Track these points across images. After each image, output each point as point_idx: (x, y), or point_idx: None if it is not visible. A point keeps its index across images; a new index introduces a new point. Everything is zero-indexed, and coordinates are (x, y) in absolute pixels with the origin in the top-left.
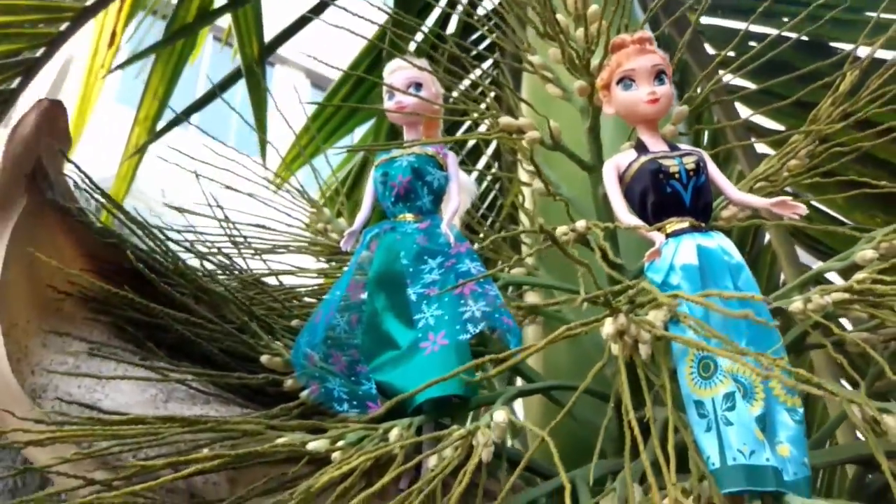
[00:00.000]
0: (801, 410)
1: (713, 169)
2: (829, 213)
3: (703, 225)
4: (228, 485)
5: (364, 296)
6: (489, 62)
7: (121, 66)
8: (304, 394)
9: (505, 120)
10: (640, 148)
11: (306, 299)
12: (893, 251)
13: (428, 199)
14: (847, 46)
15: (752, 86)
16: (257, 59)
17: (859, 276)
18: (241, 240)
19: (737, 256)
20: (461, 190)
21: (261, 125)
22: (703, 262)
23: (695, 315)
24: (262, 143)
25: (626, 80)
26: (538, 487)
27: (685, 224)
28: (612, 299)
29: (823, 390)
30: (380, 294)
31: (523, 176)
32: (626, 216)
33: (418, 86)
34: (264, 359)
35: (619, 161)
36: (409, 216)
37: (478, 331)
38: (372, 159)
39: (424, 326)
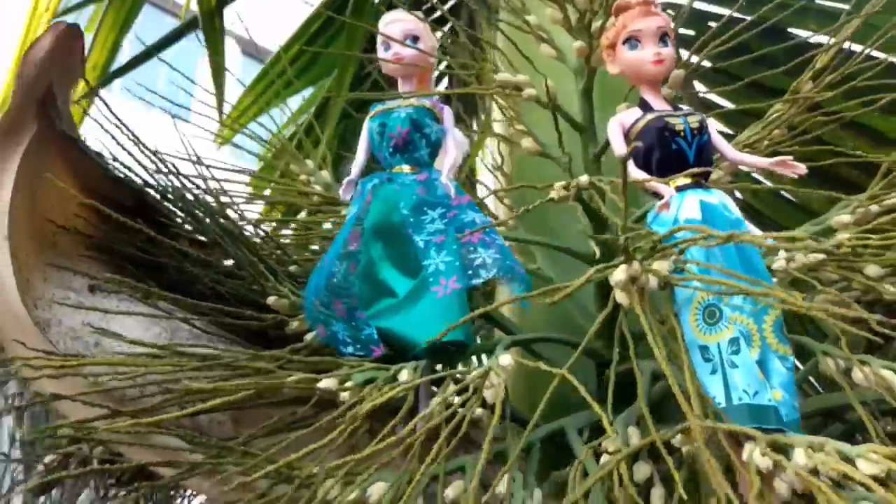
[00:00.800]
0: (791, 358)
1: (713, 129)
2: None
3: (704, 181)
4: (233, 424)
5: (359, 245)
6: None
7: (68, 11)
8: (309, 335)
9: (503, 76)
10: (644, 107)
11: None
12: (868, 217)
13: (426, 151)
14: (801, 32)
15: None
16: (214, 7)
17: (840, 237)
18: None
19: (736, 212)
20: (456, 144)
21: (219, 72)
22: (706, 216)
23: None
24: (220, 89)
25: (633, 41)
26: (535, 432)
27: (688, 180)
28: (630, 246)
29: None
30: (376, 243)
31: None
32: (634, 170)
33: (415, 38)
34: (272, 300)
35: (623, 118)
36: (406, 168)
37: (489, 276)
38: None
39: (434, 272)
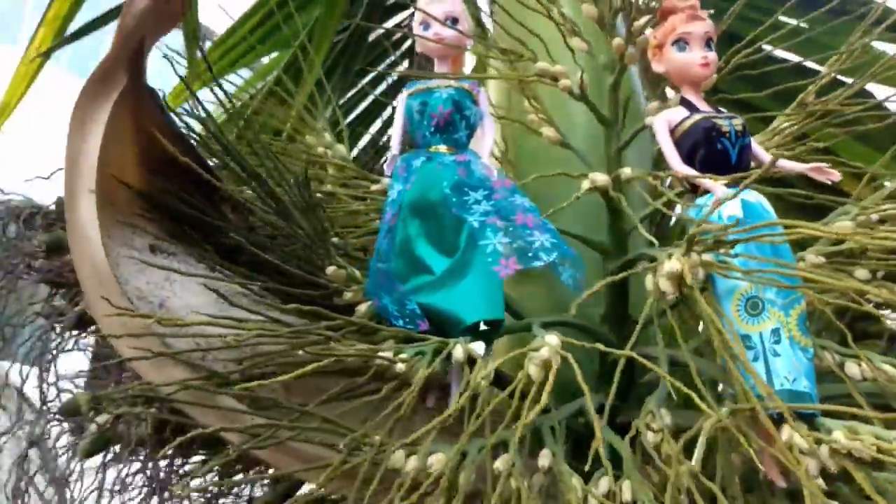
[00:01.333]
0: (811, 350)
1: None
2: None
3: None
4: (284, 391)
5: (397, 221)
6: None
7: None
8: (363, 307)
9: (542, 65)
10: (689, 106)
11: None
12: (868, 224)
13: (465, 133)
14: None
15: None
16: None
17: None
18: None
19: (771, 211)
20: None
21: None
22: (746, 214)
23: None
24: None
25: (681, 42)
26: (561, 409)
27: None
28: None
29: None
30: (413, 220)
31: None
32: (681, 166)
33: (455, 20)
34: (330, 270)
35: (669, 116)
36: (444, 148)
37: (550, 259)
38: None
39: (493, 252)
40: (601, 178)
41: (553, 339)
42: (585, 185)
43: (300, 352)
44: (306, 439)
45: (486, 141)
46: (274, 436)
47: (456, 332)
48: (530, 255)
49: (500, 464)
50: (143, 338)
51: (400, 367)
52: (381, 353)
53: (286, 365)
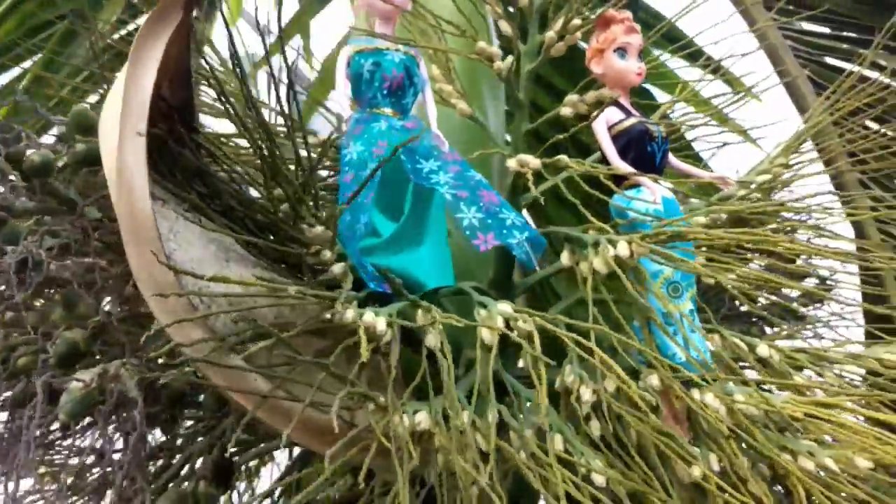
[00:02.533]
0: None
1: None
2: None
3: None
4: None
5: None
6: None
7: None
8: (337, 267)
9: (481, 45)
10: (623, 109)
11: None
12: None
13: (411, 99)
14: None
15: None
16: None
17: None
18: None
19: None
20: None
21: None
22: (666, 208)
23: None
24: None
25: (621, 51)
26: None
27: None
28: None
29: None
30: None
31: None
32: (620, 163)
33: None
34: (317, 230)
35: (608, 116)
36: (389, 111)
37: (523, 237)
38: None
39: (469, 226)
40: (533, 161)
41: (506, 308)
42: (512, 165)
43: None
44: (296, 399)
45: (431, 110)
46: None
47: (414, 294)
48: (505, 231)
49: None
50: (172, 297)
51: (387, 334)
52: (366, 319)
53: (277, 326)
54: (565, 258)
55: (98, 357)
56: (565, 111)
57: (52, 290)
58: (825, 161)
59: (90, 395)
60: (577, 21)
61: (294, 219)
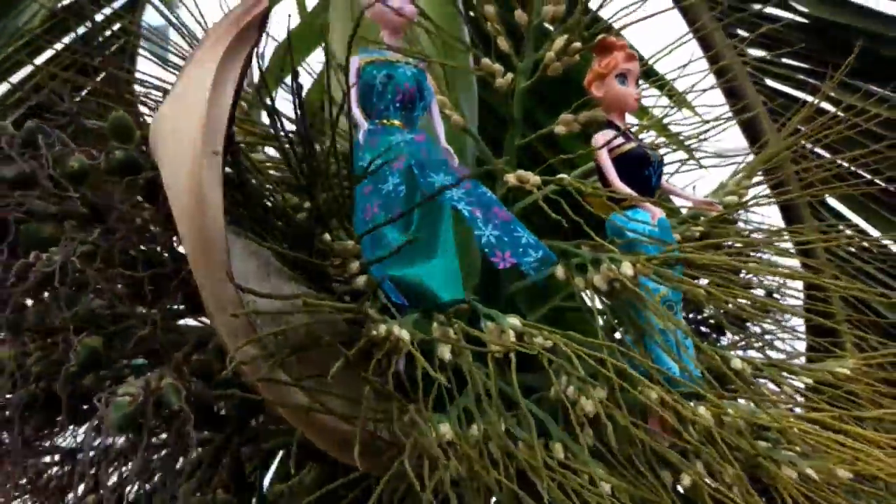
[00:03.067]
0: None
1: None
2: None
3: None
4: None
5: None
6: None
7: None
8: (361, 279)
9: (486, 62)
10: (620, 132)
11: None
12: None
13: (420, 112)
14: None
15: None
16: None
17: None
18: None
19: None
20: None
21: None
22: (661, 229)
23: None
24: None
25: (622, 77)
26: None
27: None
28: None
29: None
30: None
31: None
32: (621, 185)
33: None
34: (348, 244)
35: (608, 138)
36: (398, 123)
37: (538, 256)
38: None
39: (487, 243)
40: (533, 178)
41: (516, 322)
42: (511, 180)
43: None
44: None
45: (439, 124)
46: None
47: (428, 306)
48: (521, 250)
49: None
50: (236, 314)
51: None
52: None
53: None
54: (560, 272)
55: (116, 364)
56: (559, 129)
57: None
58: (776, 184)
59: (137, 408)
60: (577, 44)
61: (323, 231)
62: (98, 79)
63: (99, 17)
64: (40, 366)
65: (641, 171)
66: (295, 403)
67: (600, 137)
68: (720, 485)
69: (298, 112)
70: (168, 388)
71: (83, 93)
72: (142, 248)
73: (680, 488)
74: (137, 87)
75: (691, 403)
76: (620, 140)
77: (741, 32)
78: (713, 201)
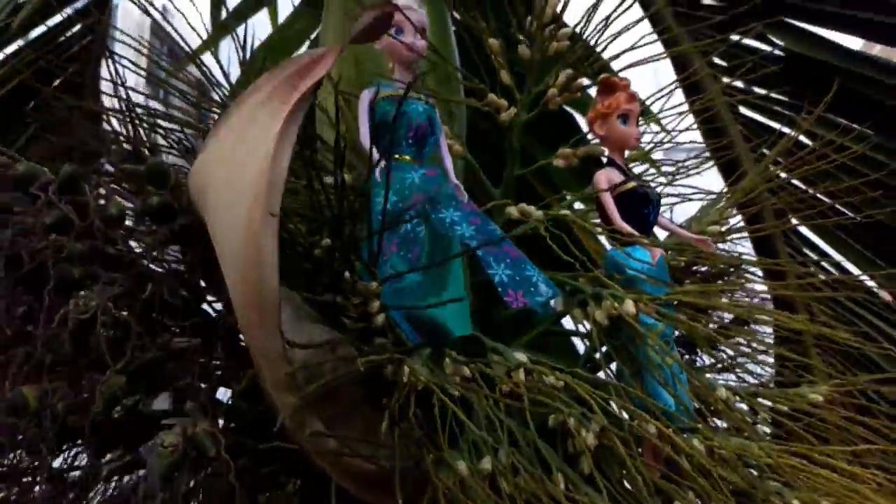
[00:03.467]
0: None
1: None
2: None
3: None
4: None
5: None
6: None
7: None
8: (380, 317)
9: (492, 97)
10: (621, 170)
11: None
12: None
13: (430, 148)
14: None
15: None
16: None
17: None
18: None
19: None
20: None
21: None
22: (659, 266)
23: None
24: None
25: (624, 117)
26: None
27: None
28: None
29: None
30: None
31: None
32: (622, 223)
33: (424, 31)
34: (372, 285)
35: (610, 177)
36: (409, 159)
37: (549, 295)
38: None
39: (500, 282)
40: (536, 213)
41: (523, 357)
42: (514, 214)
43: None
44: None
45: (448, 159)
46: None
47: (440, 341)
48: (532, 289)
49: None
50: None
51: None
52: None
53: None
54: (558, 304)
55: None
56: (558, 162)
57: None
58: (752, 216)
59: (178, 456)
60: (582, 80)
61: (345, 271)
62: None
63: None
64: (64, 405)
65: (641, 209)
66: (327, 449)
67: (602, 176)
68: None
69: (340, 144)
70: (202, 435)
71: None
72: (183, 293)
73: None
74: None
75: (685, 436)
76: (621, 178)
77: (718, 61)
78: (706, 239)
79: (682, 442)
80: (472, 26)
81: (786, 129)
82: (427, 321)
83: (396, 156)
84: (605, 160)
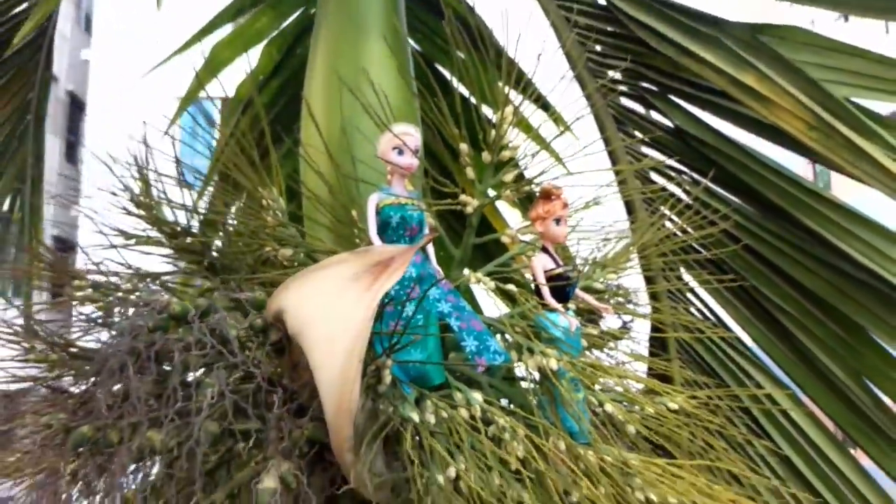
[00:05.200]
0: None
1: None
2: None
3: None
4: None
5: None
6: None
7: None
8: (388, 377)
9: (464, 198)
10: (551, 257)
11: None
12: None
13: (419, 241)
14: None
15: None
16: None
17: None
18: None
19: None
20: None
21: None
22: (575, 334)
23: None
24: None
25: (557, 220)
26: None
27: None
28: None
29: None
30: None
31: None
32: (552, 301)
33: (417, 150)
34: (385, 360)
35: (543, 263)
36: None
37: (502, 360)
38: None
39: (470, 351)
40: (490, 283)
41: (478, 396)
42: (472, 280)
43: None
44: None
45: (431, 250)
46: None
47: (424, 386)
48: (490, 356)
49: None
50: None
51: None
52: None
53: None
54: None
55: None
56: (505, 239)
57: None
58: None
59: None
60: (528, 187)
61: None
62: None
63: None
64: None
65: (565, 290)
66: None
67: (537, 262)
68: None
69: None
70: (287, 474)
71: None
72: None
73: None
74: None
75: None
76: (552, 265)
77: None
78: (607, 307)
79: (584, 454)
80: (447, 134)
81: (678, 192)
82: (416, 372)
83: None
84: (539, 248)
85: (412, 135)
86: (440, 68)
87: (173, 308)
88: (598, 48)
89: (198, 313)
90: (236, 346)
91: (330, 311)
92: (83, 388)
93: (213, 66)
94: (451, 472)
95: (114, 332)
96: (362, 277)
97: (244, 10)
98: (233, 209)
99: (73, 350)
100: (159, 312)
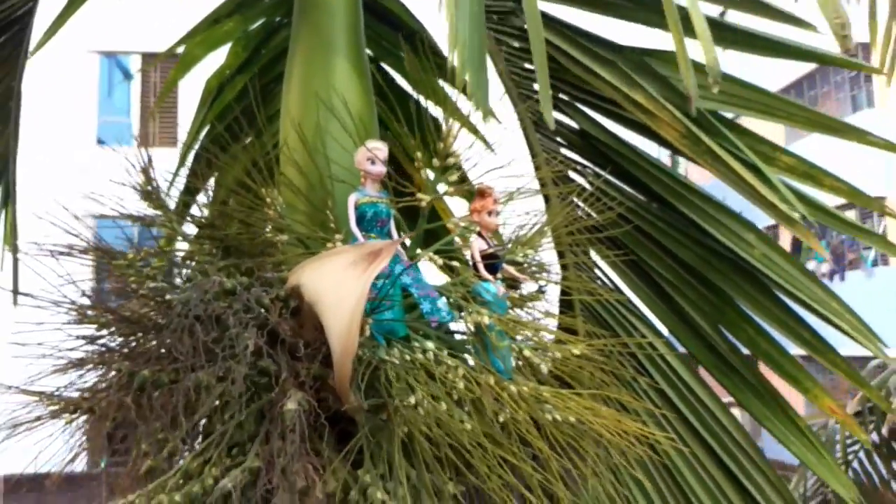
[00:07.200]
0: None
1: None
2: None
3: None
4: None
5: None
6: None
7: None
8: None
9: (420, 195)
10: (485, 241)
11: None
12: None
13: (388, 230)
14: None
15: None
16: None
17: None
18: None
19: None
20: None
21: None
22: (502, 297)
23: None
24: None
25: (490, 213)
26: None
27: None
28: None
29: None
30: None
31: None
32: (486, 273)
33: (386, 161)
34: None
35: (480, 245)
36: (373, 237)
37: (450, 318)
38: None
39: (425, 312)
40: (439, 260)
41: (430, 344)
42: (426, 258)
43: None
44: None
45: (395, 235)
46: None
47: (393, 337)
48: (440, 315)
49: None
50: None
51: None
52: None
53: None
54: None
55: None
56: (450, 226)
57: None
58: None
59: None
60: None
61: None
62: None
63: None
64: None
65: (495, 266)
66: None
67: (474, 244)
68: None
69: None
70: (303, 401)
71: None
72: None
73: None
74: None
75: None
76: (485, 246)
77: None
78: (526, 277)
79: (506, 387)
80: (404, 144)
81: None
82: (388, 327)
83: (371, 235)
84: (476, 232)
85: (381, 149)
86: (385, 66)
87: (225, 284)
88: (525, 65)
89: (244, 287)
90: (272, 311)
91: (337, 286)
92: (151, 341)
93: (186, 62)
94: (412, 399)
95: (180, 301)
96: (359, 263)
97: (220, 21)
98: (237, 205)
99: (126, 314)
100: (213, 287)
